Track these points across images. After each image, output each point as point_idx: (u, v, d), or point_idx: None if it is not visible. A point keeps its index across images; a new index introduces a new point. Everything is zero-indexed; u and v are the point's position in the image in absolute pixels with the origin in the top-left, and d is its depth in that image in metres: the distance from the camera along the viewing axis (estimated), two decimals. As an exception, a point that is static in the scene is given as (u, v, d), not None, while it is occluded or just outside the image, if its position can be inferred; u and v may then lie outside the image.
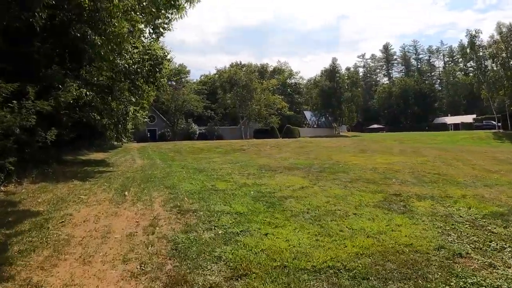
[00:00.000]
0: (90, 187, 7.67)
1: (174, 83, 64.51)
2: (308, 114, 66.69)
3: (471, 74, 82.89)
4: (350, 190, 7.14)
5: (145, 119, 21.31)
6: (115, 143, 22.64)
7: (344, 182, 8.18)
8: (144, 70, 10.48)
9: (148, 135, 41.86)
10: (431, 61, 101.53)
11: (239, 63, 64.66)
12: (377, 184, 7.90)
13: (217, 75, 52.57)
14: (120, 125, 12.88)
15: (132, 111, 12.66)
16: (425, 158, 14.00)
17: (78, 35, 8.22)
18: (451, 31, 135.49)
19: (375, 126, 73.86)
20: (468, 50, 49.96)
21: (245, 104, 47.25)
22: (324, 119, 64.76)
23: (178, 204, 5.98)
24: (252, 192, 6.93)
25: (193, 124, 45.58)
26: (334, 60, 62.55)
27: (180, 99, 45.70)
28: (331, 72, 60.80)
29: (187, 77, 64.41)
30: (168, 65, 12.16)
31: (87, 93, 9.39)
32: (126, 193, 7.00)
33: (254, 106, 47.64)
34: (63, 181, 8.32)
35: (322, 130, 61.07)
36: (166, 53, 11.66)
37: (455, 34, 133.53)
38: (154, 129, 44.55)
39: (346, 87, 61.16)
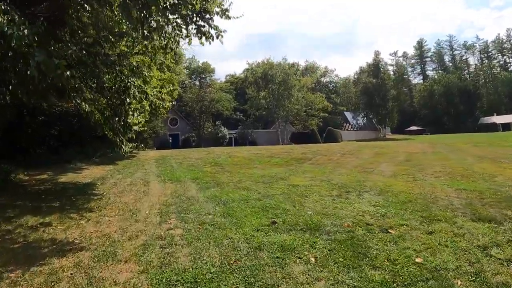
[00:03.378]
0: None
1: (198, 83, 58.39)
2: (348, 115, 58.37)
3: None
4: None
5: (171, 102, 12.70)
6: (126, 149, 15.92)
7: None
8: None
9: (170, 141, 35.49)
10: (464, 57, 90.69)
11: (268, 59, 57.57)
12: None
13: (248, 72, 45.10)
14: (117, 118, 6.01)
15: (137, 87, 5.59)
16: None
17: None
18: (469, 30, 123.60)
19: (414, 128, 64.33)
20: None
21: (282, 103, 39.81)
22: (366, 120, 56.30)
23: None
24: None
25: (222, 127, 38.65)
26: (377, 53, 54.29)
27: (206, 98, 38.99)
28: (375, 68, 52.40)
29: (212, 76, 58.12)
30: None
31: (24, 30, 2.77)
32: None
33: (292, 105, 40.19)
34: None
35: (366, 132, 52.80)
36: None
37: (472, 33, 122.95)
38: (176, 134, 38.10)
39: (392, 84, 52.83)
